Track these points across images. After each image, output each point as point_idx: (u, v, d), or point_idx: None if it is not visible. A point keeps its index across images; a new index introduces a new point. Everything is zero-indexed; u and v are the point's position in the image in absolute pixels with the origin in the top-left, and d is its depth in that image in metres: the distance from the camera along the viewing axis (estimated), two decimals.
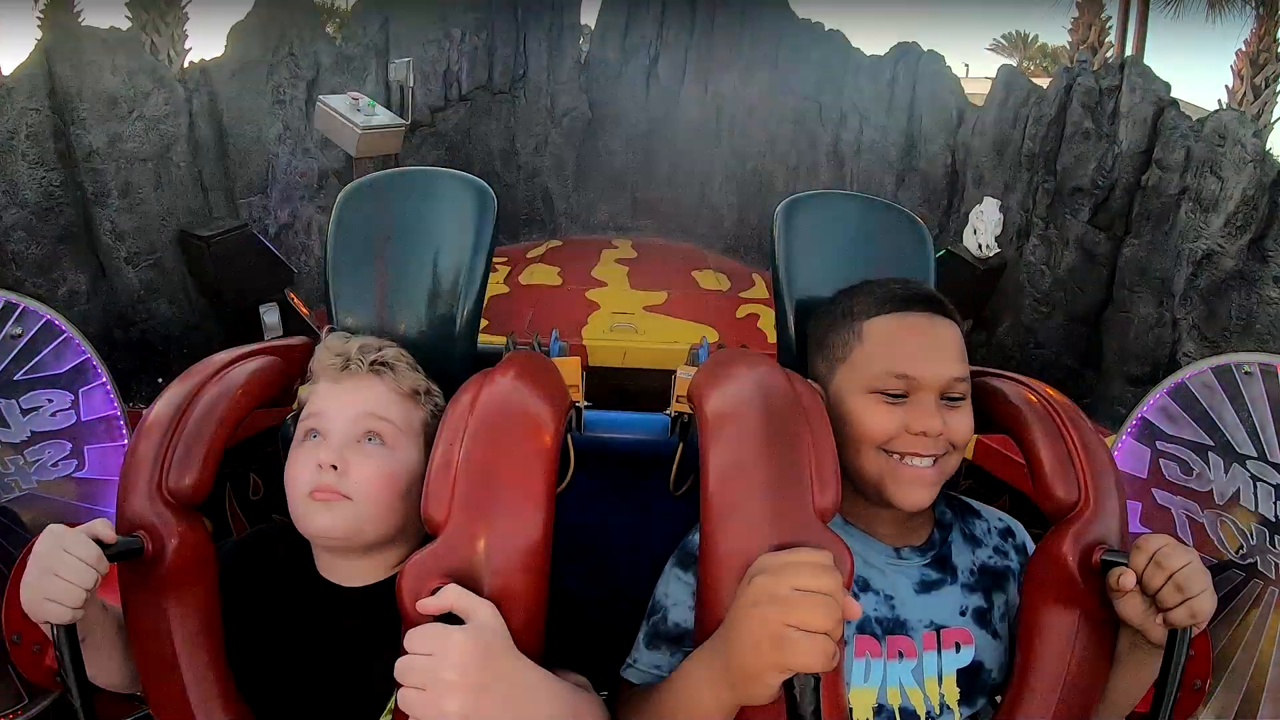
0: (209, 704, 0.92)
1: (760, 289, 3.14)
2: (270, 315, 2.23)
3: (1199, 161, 2.93)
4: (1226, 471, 1.15)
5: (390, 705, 0.94)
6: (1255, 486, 1.13)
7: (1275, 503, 1.12)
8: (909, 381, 0.99)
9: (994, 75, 4.21)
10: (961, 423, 1.01)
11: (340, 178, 3.21)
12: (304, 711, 0.99)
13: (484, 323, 2.45)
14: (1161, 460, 1.19)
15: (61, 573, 0.82)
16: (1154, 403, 1.20)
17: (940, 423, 0.98)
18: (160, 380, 1.88)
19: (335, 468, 0.96)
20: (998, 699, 1.00)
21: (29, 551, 0.84)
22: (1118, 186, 2.50)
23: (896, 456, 0.99)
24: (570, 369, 1.23)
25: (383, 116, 3.42)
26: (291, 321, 2.25)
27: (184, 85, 3.32)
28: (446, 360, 1.22)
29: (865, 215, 1.31)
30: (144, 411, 1.02)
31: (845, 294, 1.12)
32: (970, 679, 1.00)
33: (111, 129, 3.05)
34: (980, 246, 2.41)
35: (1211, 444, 1.16)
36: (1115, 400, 2.07)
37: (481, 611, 0.78)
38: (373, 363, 1.04)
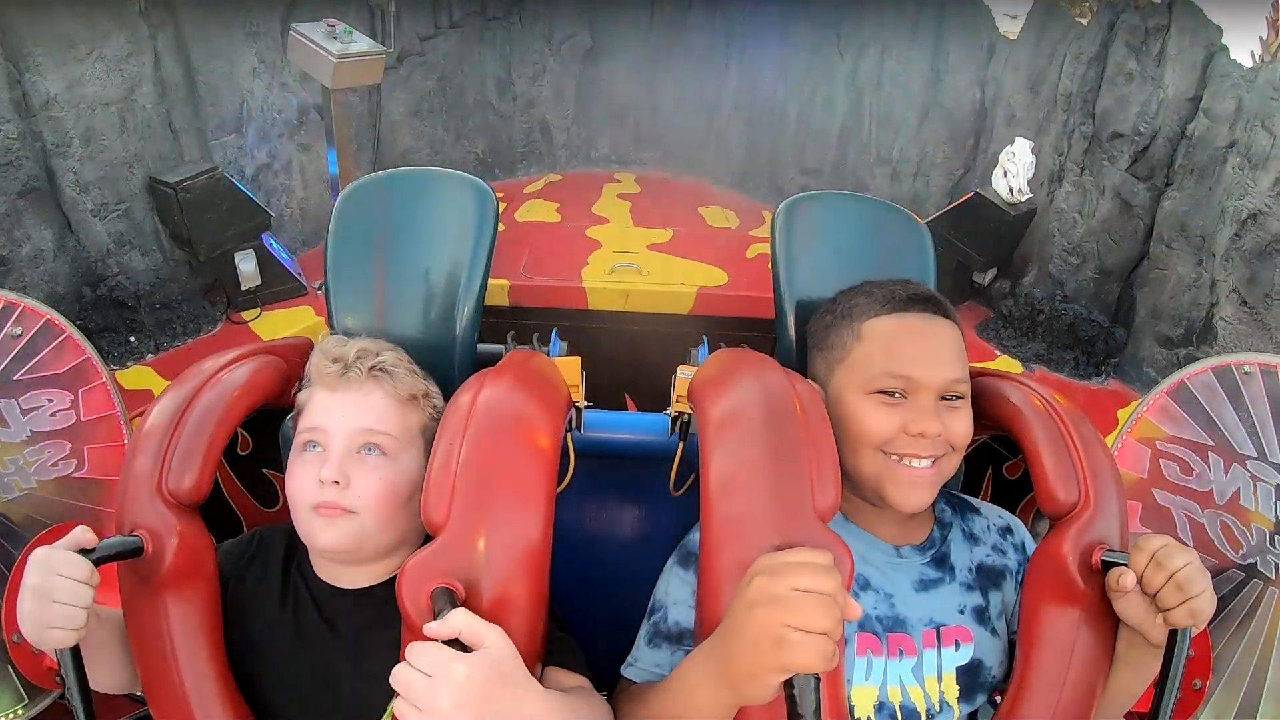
0: (209, 704, 0.92)
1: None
2: (246, 263, 2.14)
3: (1251, 114, 2.70)
4: (1226, 471, 1.15)
5: (390, 707, 0.94)
6: (1255, 486, 1.13)
7: (1275, 503, 1.12)
8: (907, 382, 0.99)
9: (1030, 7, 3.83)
10: (960, 424, 1.01)
11: (322, 114, 2.90)
12: (304, 712, 0.99)
13: None
14: (1161, 460, 1.19)
15: (58, 597, 0.81)
16: (1154, 403, 1.20)
17: (939, 424, 0.98)
18: (132, 339, 1.83)
19: (338, 483, 0.96)
20: (998, 698, 1.00)
21: (29, 552, 0.84)
22: (1161, 134, 2.32)
23: (895, 458, 0.99)
24: (570, 369, 1.23)
25: (362, 44, 3.10)
26: (270, 269, 2.17)
27: (146, 21, 3.00)
28: (446, 360, 1.22)
29: (865, 215, 1.31)
30: (144, 412, 1.02)
31: (845, 294, 1.12)
32: (970, 676, 1.00)
33: (70, 72, 2.78)
34: (1011, 190, 2.26)
35: (1211, 444, 1.16)
36: (1145, 361, 1.99)
37: (489, 637, 0.77)
38: (370, 369, 1.03)
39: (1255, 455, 1.13)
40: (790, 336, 1.23)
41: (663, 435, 1.32)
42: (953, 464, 1.02)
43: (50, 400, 1.19)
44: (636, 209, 3.07)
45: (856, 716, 0.96)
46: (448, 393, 1.07)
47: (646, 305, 2.49)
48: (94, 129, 2.04)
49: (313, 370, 1.05)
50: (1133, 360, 2.03)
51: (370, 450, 1.00)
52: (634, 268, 2.57)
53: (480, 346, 1.28)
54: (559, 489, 0.99)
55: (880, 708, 0.97)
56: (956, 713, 0.99)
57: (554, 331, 1.43)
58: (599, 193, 3.21)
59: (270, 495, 2.16)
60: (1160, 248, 2.08)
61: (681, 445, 1.28)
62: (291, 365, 1.12)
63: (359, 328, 1.23)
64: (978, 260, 2.25)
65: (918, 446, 0.98)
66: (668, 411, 1.29)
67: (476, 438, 0.88)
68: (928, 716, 0.98)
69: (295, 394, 1.09)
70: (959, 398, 1.02)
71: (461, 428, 0.89)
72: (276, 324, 2.09)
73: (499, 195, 3.12)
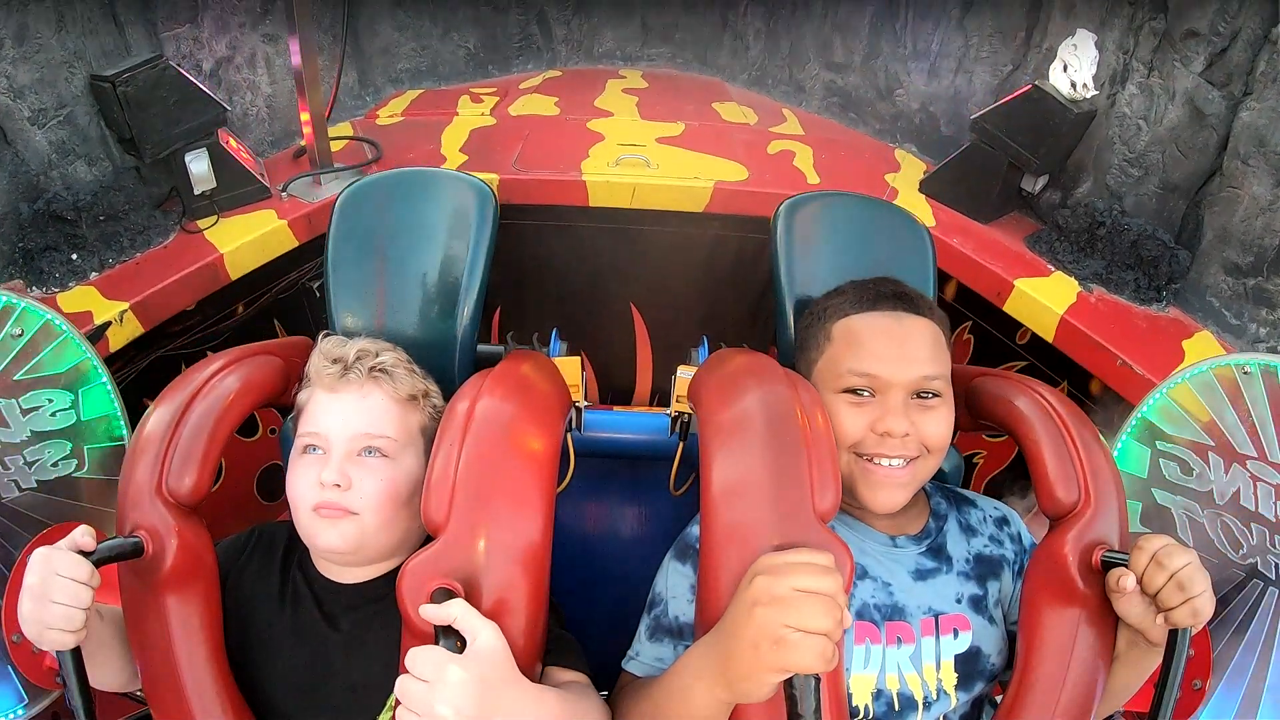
0: (209, 703, 0.92)
1: (794, 125, 2.68)
2: (198, 163, 1.89)
3: None
4: (1226, 471, 1.15)
5: (390, 703, 0.94)
6: (1255, 486, 1.13)
7: (1275, 503, 1.12)
8: (873, 380, 1.00)
9: None
10: (934, 424, 1.00)
11: None
12: (303, 707, 0.99)
13: (464, 158, 2.20)
14: (1161, 460, 1.19)
15: (57, 598, 0.82)
16: (1154, 403, 1.20)
17: (906, 423, 0.97)
18: (75, 257, 1.68)
19: (338, 485, 0.96)
20: (998, 697, 1.01)
21: (29, 552, 0.84)
22: (1241, 36, 1.98)
23: (866, 458, 0.99)
24: (570, 369, 1.23)
25: None
26: (227, 170, 1.94)
27: None
28: (446, 360, 1.22)
29: (865, 215, 1.32)
30: (144, 412, 1.02)
31: (826, 296, 1.14)
32: (968, 664, 1.00)
33: None
34: (1074, 85, 1.99)
35: (1211, 444, 1.16)
36: (1209, 290, 1.77)
37: (483, 634, 0.78)
38: (370, 369, 1.03)
39: (1255, 455, 1.13)
40: (790, 336, 1.23)
41: (663, 435, 1.32)
42: (929, 466, 1.02)
43: (50, 400, 1.19)
44: (644, 103, 2.74)
45: (855, 705, 0.96)
46: (448, 392, 1.07)
47: (655, 202, 2.21)
48: (26, 25, 1.71)
49: (312, 371, 1.05)
50: (1195, 287, 1.80)
51: (370, 452, 1.00)
52: (641, 159, 2.28)
53: (480, 347, 1.28)
54: (559, 489, 0.99)
55: (878, 695, 0.97)
56: (954, 700, 0.99)
57: (554, 331, 1.43)
58: (602, 88, 2.87)
59: (247, 423, 2.00)
60: (1234, 163, 1.77)
61: (681, 445, 1.28)
62: (291, 365, 1.12)
63: (359, 328, 1.23)
64: (1033, 162, 2.00)
65: (886, 446, 0.98)
66: (668, 411, 1.29)
67: (477, 438, 0.88)
68: (925, 704, 0.98)
69: (295, 394, 1.09)
70: (934, 395, 1.01)
71: (462, 428, 0.89)
72: (235, 231, 1.88)
73: (490, 91, 2.68)
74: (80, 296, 1.62)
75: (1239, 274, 1.75)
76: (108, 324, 1.57)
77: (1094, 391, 1.79)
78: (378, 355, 1.05)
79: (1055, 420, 1.02)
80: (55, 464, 1.19)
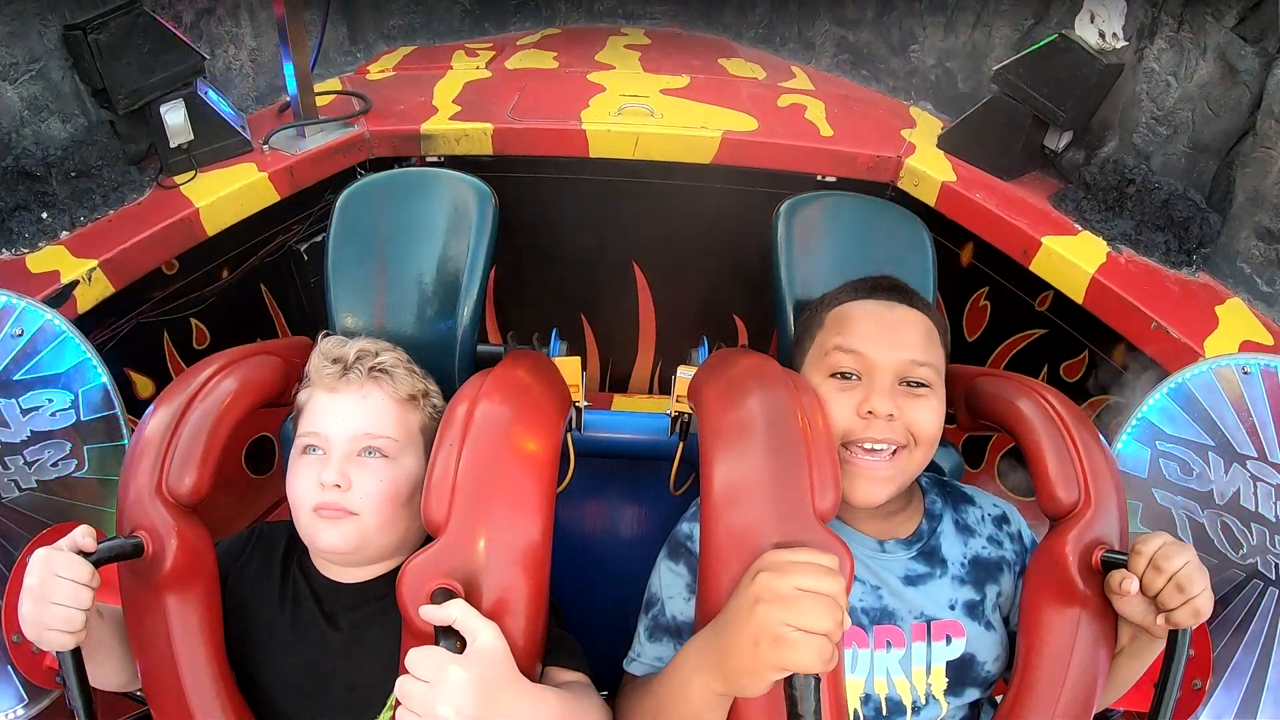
0: (209, 703, 0.93)
1: (803, 80, 2.56)
2: (174, 114, 1.77)
3: None
4: (1226, 471, 1.15)
5: (391, 701, 0.94)
6: (1255, 486, 1.13)
7: (1275, 503, 1.12)
8: (860, 360, 1.00)
9: None
10: (923, 413, 0.99)
11: None
12: (303, 706, 0.99)
13: (456, 108, 2.14)
14: (1161, 460, 1.19)
15: (57, 599, 0.82)
16: (1154, 403, 1.20)
17: (891, 404, 0.97)
18: (45, 216, 1.61)
19: (338, 485, 0.96)
20: (998, 698, 1.01)
21: (29, 552, 0.84)
22: None
23: (852, 450, 0.98)
24: (570, 369, 1.23)
25: None
26: (205, 122, 1.83)
27: None
28: (446, 360, 1.22)
29: (865, 215, 1.32)
30: (144, 412, 1.02)
31: (824, 294, 1.16)
32: (961, 671, 1.00)
33: None
34: (1103, 36, 1.89)
35: (1212, 444, 1.16)
36: (1240, 255, 1.67)
37: (483, 634, 0.78)
38: (370, 369, 1.03)
39: (1255, 455, 1.13)
40: (790, 336, 1.23)
41: (663, 435, 1.32)
42: (916, 460, 1.01)
43: (50, 400, 1.19)
44: (646, 58, 2.63)
45: (849, 716, 0.96)
46: (447, 392, 1.07)
47: (660, 152, 2.08)
48: None
49: (312, 371, 1.05)
50: (1225, 252, 1.70)
51: (370, 453, 1.00)
52: (645, 108, 2.17)
53: (480, 347, 1.28)
54: (559, 489, 0.99)
55: (866, 700, 0.97)
56: (944, 706, 0.99)
57: (554, 331, 1.43)
58: (603, 45, 2.77)
59: None
60: (1269, 123, 1.68)
61: (681, 445, 1.28)
62: (291, 365, 1.12)
63: (359, 327, 1.23)
64: (1059, 115, 1.88)
65: (872, 429, 0.97)
66: (668, 411, 1.29)
67: (477, 439, 0.88)
68: (913, 709, 0.98)
69: (295, 394, 1.09)
70: (923, 385, 1.01)
71: (462, 429, 0.89)
72: (214, 186, 1.79)
73: (488, 48, 2.59)
74: (49, 257, 1.54)
75: (1271, 239, 1.65)
76: (74, 283, 1.49)
77: (1117, 361, 1.72)
78: (378, 355, 1.05)
79: (1055, 420, 1.02)
80: (55, 464, 1.19)
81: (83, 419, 1.21)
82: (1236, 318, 1.52)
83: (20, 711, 1.12)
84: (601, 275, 2.46)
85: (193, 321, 1.87)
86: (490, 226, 1.26)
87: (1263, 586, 1.12)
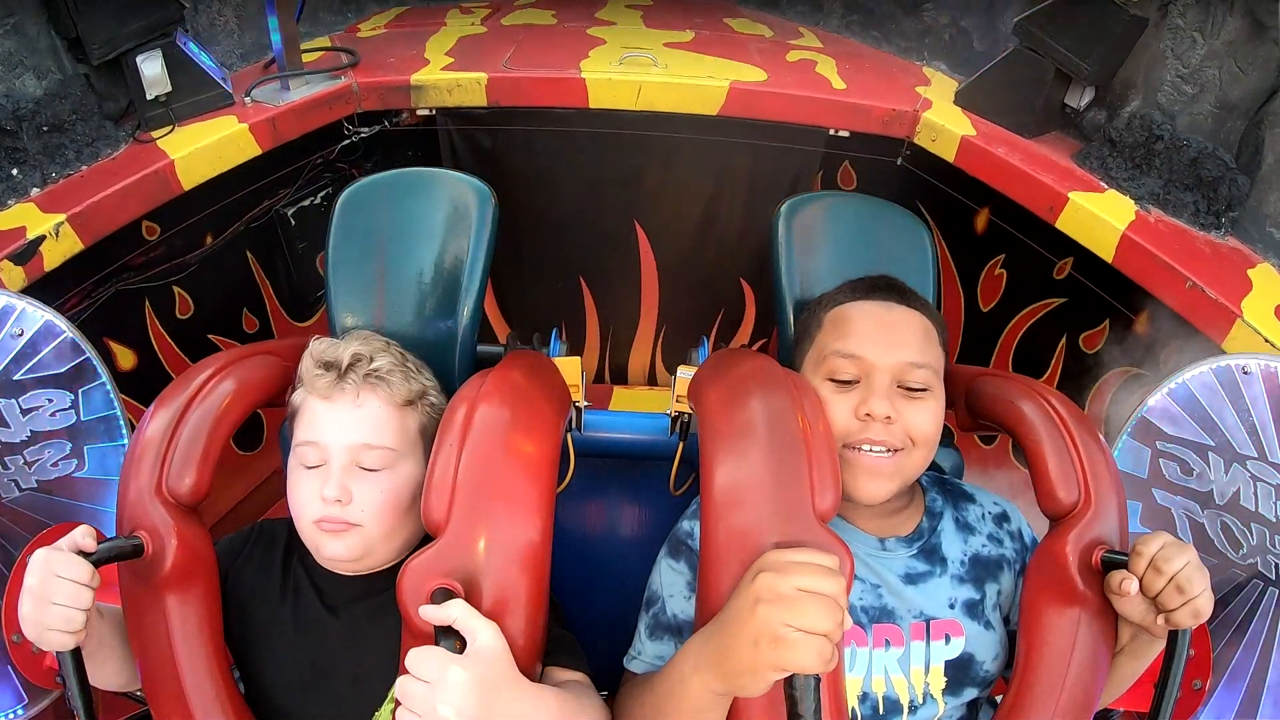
0: (209, 704, 0.93)
1: (811, 39, 2.44)
2: (150, 65, 1.68)
3: None
4: (1226, 471, 1.15)
5: (391, 696, 0.94)
6: (1255, 486, 1.13)
7: (1275, 503, 1.12)
8: (859, 364, 1.00)
9: None
10: (920, 415, 0.99)
11: None
12: (303, 701, 0.99)
13: (448, 60, 2.08)
14: (1161, 460, 1.19)
15: (57, 599, 0.82)
16: (1154, 403, 1.20)
17: (888, 406, 0.97)
18: (15, 172, 1.55)
19: (339, 500, 0.96)
20: (998, 698, 1.01)
21: (29, 552, 0.84)
22: None
23: (853, 449, 0.99)
24: (570, 369, 1.23)
25: None
26: (185, 74, 1.74)
27: None
28: (446, 361, 1.22)
29: (865, 215, 1.31)
30: (144, 412, 1.02)
31: (823, 294, 1.16)
32: (959, 671, 1.00)
33: None
34: None
35: (1211, 444, 1.16)
36: (1269, 219, 1.59)
37: (483, 634, 0.78)
38: (365, 376, 1.01)
39: (1255, 455, 1.13)
40: (790, 335, 1.23)
41: (663, 435, 1.32)
42: (916, 461, 1.01)
43: (50, 400, 1.19)
44: (648, 15, 2.53)
45: (849, 716, 0.96)
46: (447, 392, 1.07)
47: (664, 103, 1.98)
48: None
49: (304, 374, 1.03)
50: (1254, 216, 1.62)
51: (369, 462, 0.99)
52: (648, 57, 2.07)
53: (480, 347, 1.28)
54: (559, 489, 0.99)
55: (864, 698, 0.97)
56: (941, 705, 0.99)
57: (554, 331, 1.43)
58: (604, 3, 2.68)
59: None
60: None
61: (681, 445, 1.28)
62: (290, 365, 1.12)
63: (359, 327, 1.23)
64: (1083, 69, 1.79)
65: (870, 431, 0.97)
66: (668, 411, 1.29)
67: (476, 439, 0.88)
68: (910, 708, 0.98)
69: (289, 395, 1.08)
70: (920, 387, 1.01)
71: (461, 429, 0.89)
72: (193, 139, 1.70)
73: (483, 4, 2.50)
74: (17, 214, 1.47)
75: None
76: (40, 239, 1.42)
77: (1139, 330, 1.65)
78: (373, 360, 1.03)
79: (1055, 420, 1.02)
80: (55, 464, 1.19)
81: (83, 419, 1.21)
82: (1270, 282, 1.45)
83: (20, 711, 1.12)
84: (602, 236, 2.38)
85: (175, 290, 1.81)
86: (490, 226, 1.25)
87: (1263, 586, 1.12)
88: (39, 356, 1.19)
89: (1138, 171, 1.73)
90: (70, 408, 1.20)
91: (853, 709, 0.97)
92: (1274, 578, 1.12)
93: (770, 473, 0.85)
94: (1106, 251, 1.56)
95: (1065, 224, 1.64)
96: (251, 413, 1.06)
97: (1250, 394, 1.14)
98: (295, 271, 2.21)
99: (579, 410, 1.27)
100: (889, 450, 0.98)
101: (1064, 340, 1.60)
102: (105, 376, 1.23)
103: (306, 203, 2.16)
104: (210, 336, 1.75)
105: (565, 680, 0.92)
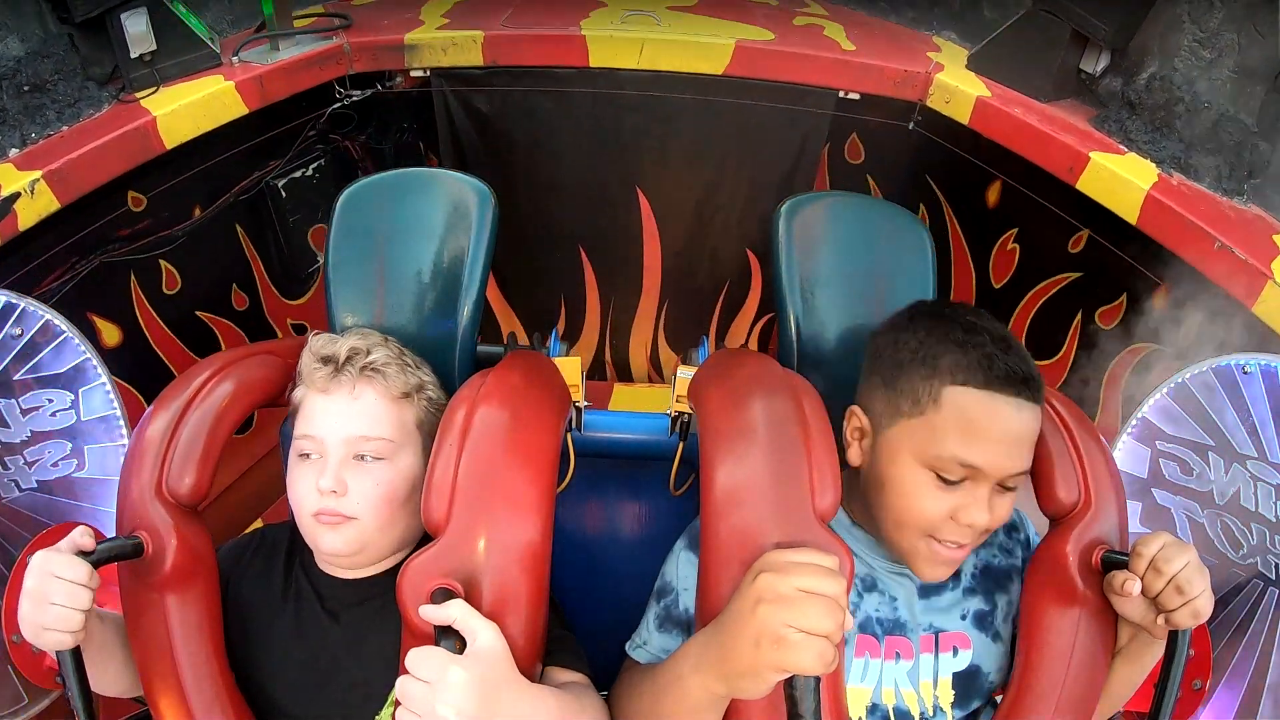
0: (209, 704, 0.93)
1: (818, 8, 2.36)
2: (135, 22, 1.61)
3: None
4: (1226, 471, 1.15)
5: (392, 698, 0.94)
6: (1255, 486, 1.13)
7: (1275, 503, 1.12)
8: (972, 470, 0.90)
9: None
10: (1005, 509, 0.93)
11: None
12: (304, 703, 0.99)
13: (444, 21, 2.03)
14: (1161, 460, 1.19)
15: (55, 600, 0.82)
16: (1154, 403, 1.20)
17: (989, 515, 0.91)
18: None
19: (335, 492, 0.96)
20: (998, 698, 1.00)
21: (29, 552, 0.85)
22: None
23: (934, 539, 0.93)
24: (570, 369, 1.23)
25: None
26: (170, 33, 1.67)
27: None
28: (446, 361, 1.22)
29: (866, 215, 1.31)
30: (144, 412, 1.02)
31: (929, 331, 0.95)
32: (966, 682, 1.00)
33: None
34: None
35: (1211, 444, 1.16)
36: None
37: (483, 634, 0.78)
38: (362, 369, 1.02)
39: (1255, 455, 1.13)
40: (791, 335, 1.23)
41: (663, 435, 1.32)
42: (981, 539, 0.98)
43: (50, 400, 1.19)
44: None
45: (848, 717, 0.96)
46: (447, 393, 1.07)
47: (667, 62, 1.91)
48: None
49: (303, 370, 1.04)
50: (1276, 183, 1.57)
51: (366, 455, 0.99)
52: (651, 16, 2.00)
53: (480, 347, 1.28)
54: (559, 489, 0.99)
55: (873, 709, 0.97)
56: (950, 717, 0.99)
57: (554, 331, 1.43)
58: None
59: (208, 343, 1.84)
60: None
61: (681, 445, 1.28)
62: (290, 365, 1.12)
63: (359, 327, 1.23)
64: (1101, 30, 1.71)
65: (961, 535, 0.92)
66: (668, 411, 1.29)
67: (476, 439, 0.88)
68: (920, 719, 0.98)
69: (289, 393, 1.09)
70: (1015, 487, 0.94)
71: (461, 429, 0.89)
72: (177, 98, 1.61)
73: None
74: None
75: None
76: (15, 196, 1.35)
77: (1158, 306, 1.56)
78: (369, 353, 1.03)
79: (1055, 420, 1.02)
80: (55, 464, 1.19)
81: (83, 419, 1.21)
82: None
83: (20, 712, 1.12)
84: (602, 203, 2.29)
85: (162, 264, 1.75)
86: (490, 226, 1.25)
87: (1263, 586, 1.12)
88: (39, 356, 1.19)
89: (1158, 135, 1.68)
90: (70, 408, 1.20)
91: (859, 718, 0.96)
92: (1274, 578, 1.12)
93: (770, 473, 0.85)
94: (1130, 212, 1.48)
95: (1086, 185, 1.57)
96: (251, 412, 1.06)
97: (1250, 394, 1.14)
98: (287, 246, 2.13)
99: (579, 410, 1.27)
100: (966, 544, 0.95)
101: (1079, 317, 1.54)
102: (105, 376, 1.23)
103: (298, 174, 2.09)
104: (198, 313, 1.69)
105: (565, 681, 0.92)
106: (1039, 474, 0.99)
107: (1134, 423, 1.22)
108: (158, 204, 1.69)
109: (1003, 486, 0.92)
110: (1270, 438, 1.12)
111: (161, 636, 0.93)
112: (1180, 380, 1.19)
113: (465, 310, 1.23)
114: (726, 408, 0.93)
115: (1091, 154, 1.55)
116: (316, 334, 1.08)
